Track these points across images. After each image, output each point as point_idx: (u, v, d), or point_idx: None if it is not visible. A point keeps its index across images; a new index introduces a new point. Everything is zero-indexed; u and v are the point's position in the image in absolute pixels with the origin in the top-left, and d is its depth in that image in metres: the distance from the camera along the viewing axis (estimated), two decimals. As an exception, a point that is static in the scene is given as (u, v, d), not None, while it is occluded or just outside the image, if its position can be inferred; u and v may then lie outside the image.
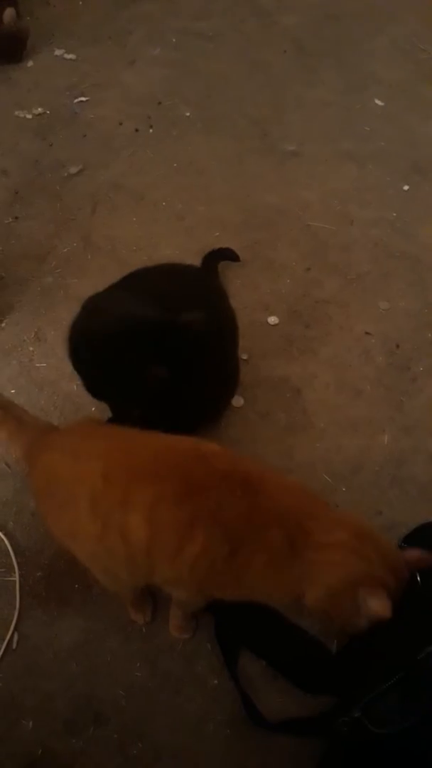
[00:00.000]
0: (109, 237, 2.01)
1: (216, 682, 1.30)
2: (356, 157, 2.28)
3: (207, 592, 1.13)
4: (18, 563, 1.42)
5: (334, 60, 2.63)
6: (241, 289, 1.89)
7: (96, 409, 1.62)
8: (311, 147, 2.31)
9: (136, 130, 2.33)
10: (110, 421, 1.50)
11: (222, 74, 2.55)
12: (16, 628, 1.35)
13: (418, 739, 1.11)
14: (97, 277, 1.88)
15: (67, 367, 1.68)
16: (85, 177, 2.18)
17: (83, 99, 2.43)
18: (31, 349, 1.76)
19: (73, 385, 1.68)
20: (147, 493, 1.03)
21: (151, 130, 2.34)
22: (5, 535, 1.45)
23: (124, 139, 2.30)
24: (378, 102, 2.48)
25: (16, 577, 1.40)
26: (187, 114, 2.40)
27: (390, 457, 1.61)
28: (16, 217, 2.05)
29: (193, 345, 1.24)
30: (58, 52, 2.60)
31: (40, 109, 2.38)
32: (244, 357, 1.73)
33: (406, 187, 2.20)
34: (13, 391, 1.67)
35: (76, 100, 2.42)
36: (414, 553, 1.08)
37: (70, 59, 2.58)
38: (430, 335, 1.83)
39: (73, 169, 2.19)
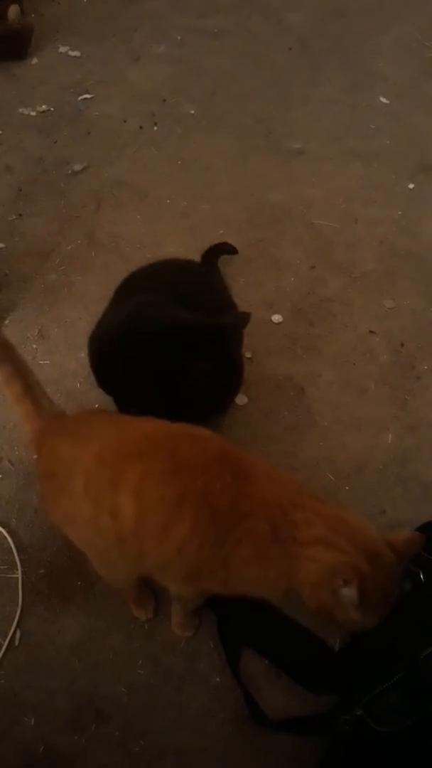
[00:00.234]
0: (113, 234, 2.00)
1: (218, 679, 1.30)
2: (361, 155, 2.28)
3: (197, 582, 1.12)
4: (21, 560, 1.42)
5: (339, 58, 2.62)
6: (246, 287, 1.89)
7: (99, 405, 1.62)
8: (316, 145, 2.30)
9: (141, 128, 2.33)
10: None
11: (227, 72, 2.54)
12: (18, 625, 1.35)
13: (420, 737, 1.11)
14: (101, 274, 1.88)
15: (71, 364, 1.70)
16: (89, 174, 2.18)
17: (88, 96, 2.43)
18: (34, 346, 1.75)
19: (76, 382, 1.68)
20: (135, 470, 1.04)
21: (155, 128, 2.33)
22: (8, 532, 1.45)
23: (129, 137, 2.30)
24: (383, 100, 2.47)
25: (19, 574, 1.40)
26: (192, 112, 2.39)
27: (394, 455, 1.61)
28: (20, 215, 2.05)
29: (230, 344, 1.35)
30: (62, 49, 2.59)
31: (44, 107, 2.38)
32: (248, 355, 1.73)
33: (411, 186, 2.19)
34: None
35: (80, 98, 2.42)
36: (402, 537, 1.05)
37: (75, 56, 2.58)
38: (434, 334, 1.83)
39: (77, 167, 2.19)
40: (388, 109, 2.44)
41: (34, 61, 2.55)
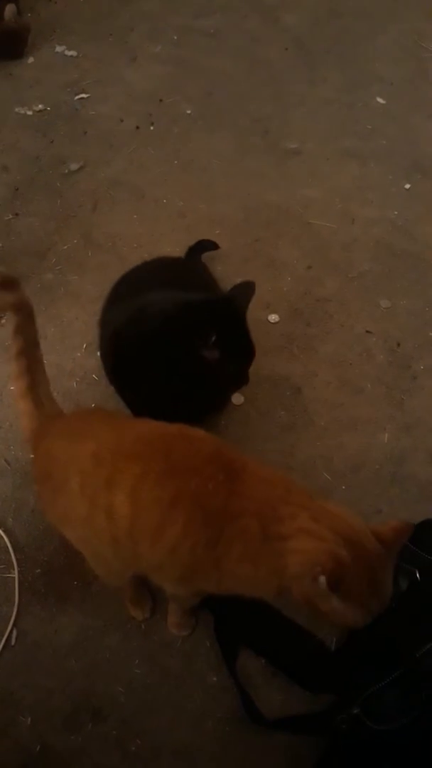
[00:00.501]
0: (110, 234, 2.00)
1: (215, 679, 1.30)
2: (358, 155, 2.28)
3: (191, 583, 1.12)
4: (17, 560, 1.42)
5: (335, 58, 2.63)
6: (242, 287, 1.89)
7: (95, 405, 1.62)
8: (313, 145, 2.30)
9: (137, 128, 2.33)
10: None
11: (223, 72, 2.54)
12: (15, 625, 1.35)
13: (417, 734, 1.11)
14: (97, 274, 1.88)
15: (67, 364, 1.70)
16: (85, 174, 2.18)
17: (84, 96, 2.42)
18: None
19: (72, 381, 1.68)
20: (131, 471, 1.03)
21: (152, 128, 2.33)
22: (4, 531, 1.45)
23: (125, 137, 2.30)
24: (380, 100, 2.47)
25: (15, 574, 1.40)
26: (189, 111, 2.39)
27: (390, 455, 1.61)
28: (17, 214, 2.05)
29: (239, 316, 1.35)
30: (59, 49, 2.59)
31: (40, 106, 2.38)
32: (245, 355, 1.73)
33: (407, 186, 2.19)
34: (12, 388, 1.66)
35: (76, 97, 2.42)
36: (389, 525, 1.01)
37: (71, 56, 2.57)
38: (431, 334, 1.83)
39: (74, 166, 2.18)
40: (384, 109, 2.45)
41: (31, 60, 2.55)
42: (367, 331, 1.83)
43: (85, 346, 1.73)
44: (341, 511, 1.01)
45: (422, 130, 2.38)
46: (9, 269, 1.90)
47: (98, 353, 1.56)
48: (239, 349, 1.35)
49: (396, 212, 2.11)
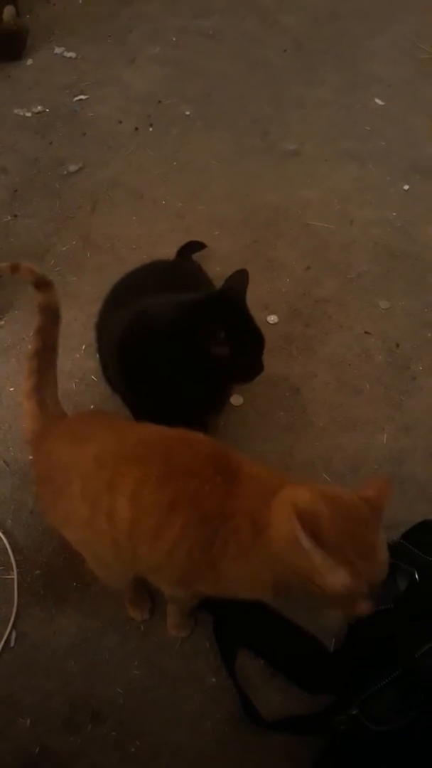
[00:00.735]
0: (109, 235, 2.00)
1: (214, 680, 1.30)
2: (356, 156, 2.28)
3: (189, 585, 1.12)
4: (16, 561, 1.42)
5: (334, 59, 2.63)
6: (241, 288, 1.89)
7: (94, 406, 1.62)
8: (311, 146, 2.31)
9: (136, 129, 2.33)
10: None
11: (222, 73, 2.55)
12: (14, 626, 1.34)
13: (416, 735, 1.11)
14: (96, 275, 1.88)
15: (66, 365, 1.70)
16: (84, 175, 2.18)
17: (83, 97, 2.43)
18: (30, 347, 1.75)
19: (71, 383, 1.68)
20: (132, 475, 1.04)
21: (151, 129, 2.34)
22: (3, 533, 1.45)
23: (124, 138, 2.30)
24: (378, 101, 2.47)
25: (14, 575, 1.40)
26: (187, 113, 2.39)
27: (389, 456, 1.61)
28: (15, 215, 2.05)
29: (239, 307, 1.34)
30: (57, 50, 2.59)
31: (39, 107, 2.38)
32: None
33: (406, 187, 2.19)
34: (11, 389, 1.67)
35: (75, 99, 2.42)
36: (370, 485, 0.97)
37: (70, 57, 2.58)
38: (429, 334, 1.83)
39: (73, 168, 2.19)
40: (382, 110, 2.45)
41: (30, 62, 2.55)
42: (366, 332, 1.83)
43: (84, 347, 1.73)
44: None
45: (421, 131, 2.39)
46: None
47: (98, 356, 1.56)
48: (248, 339, 1.33)
49: (395, 213, 2.12)
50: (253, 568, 1.01)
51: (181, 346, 1.29)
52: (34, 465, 1.26)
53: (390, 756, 1.14)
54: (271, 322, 1.83)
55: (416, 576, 1.25)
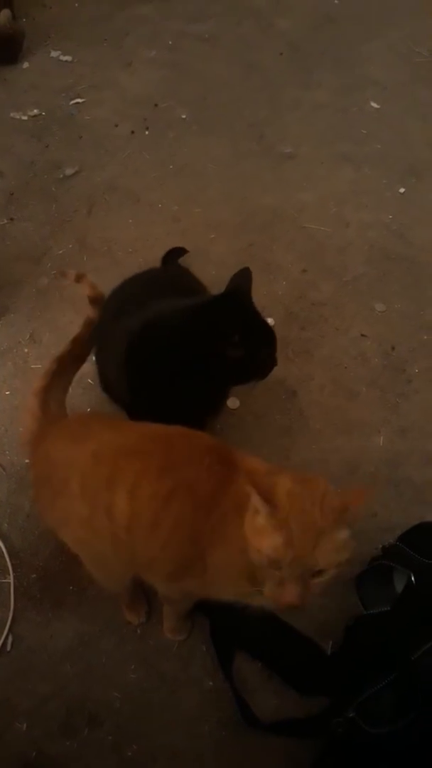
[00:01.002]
0: (105, 238, 2.01)
1: (211, 683, 1.30)
2: (352, 159, 2.29)
3: (180, 580, 1.11)
4: (12, 565, 1.41)
5: (330, 63, 2.64)
6: (237, 291, 1.89)
7: (91, 409, 1.62)
8: (307, 149, 2.31)
9: (132, 132, 2.33)
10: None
11: (218, 76, 2.55)
12: (10, 630, 1.34)
13: (413, 737, 1.11)
14: (93, 278, 1.86)
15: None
16: (80, 178, 2.18)
17: (79, 101, 2.43)
18: (26, 350, 1.75)
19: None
20: (132, 467, 1.04)
21: (147, 132, 2.34)
22: (0, 537, 1.45)
23: (120, 141, 2.30)
24: (374, 104, 2.48)
25: (11, 579, 1.40)
26: (183, 116, 2.40)
27: (385, 458, 1.61)
28: (12, 219, 2.05)
29: (246, 306, 1.34)
30: (54, 54, 2.60)
31: (35, 111, 2.38)
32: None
33: (402, 190, 2.20)
34: (7, 393, 1.67)
35: (72, 102, 2.42)
36: (352, 491, 0.95)
37: (66, 61, 2.58)
38: (425, 337, 1.84)
39: (69, 171, 2.19)
40: (378, 113, 2.46)
41: (26, 65, 2.55)
42: (362, 335, 1.83)
43: (80, 350, 1.73)
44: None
45: (416, 133, 2.39)
46: (4, 274, 1.90)
47: (96, 367, 1.54)
48: (261, 337, 1.33)
49: (391, 216, 2.12)
50: (233, 556, 0.99)
51: (195, 352, 1.27)
52: (32, 466, 1.27)
53: (387, 758, 1.14)
54: (267, 324, 1.83)
55: (412, 578, 1.25)
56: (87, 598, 1.38)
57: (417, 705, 1.13)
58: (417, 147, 2.35)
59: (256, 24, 2.79)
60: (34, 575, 1.41)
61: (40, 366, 1.71)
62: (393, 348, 1.81)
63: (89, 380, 1.67)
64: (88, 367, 1.67)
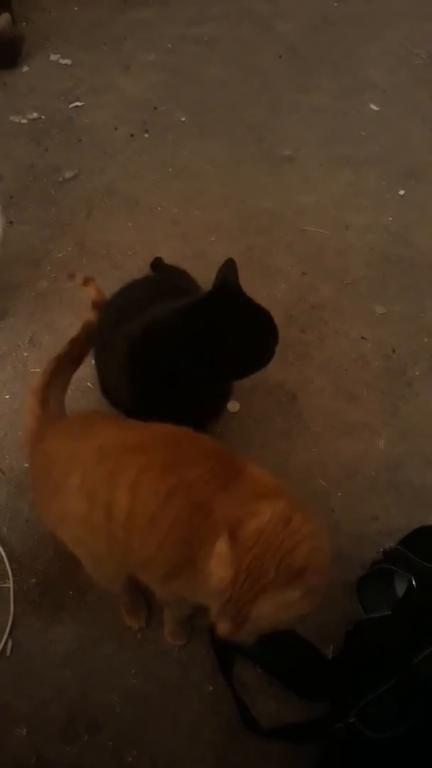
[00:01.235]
0: (104, 242, 2.00)
1: (211, 688, 1.29)
2: (351, 161, 2.29)
3: (174, 583, 1.10)
4: (12, 570, 1.41)
5: (329, 65, 2.64)
6: (237, 294, 1.89)
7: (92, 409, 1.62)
8: (306, 152, 2.31)
9: (132, 135, 2.33)
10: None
11: (217, 79, 2.55)
12: (10, 635, 1.34)
13: (414, 742, 1.11)
14: (92, 281, 1.88)
15: (62, 372, 1.69)
16: (80, 182, 2.18)
17: (78, 104, 2.43)
18: (25, 354, 1.75)
19: (67, 390, 1.67)
20: (135, 463, 1.04)
21: (146, 135, 2.34)
22: (-1, 541, 1.45)
23: (120, 144, 2.30)
24: (373, 107, 2.48)
25: (10, 584, 1.39)
26: (183, 119, 2.40)
27: (386, 461, 1.61)
28: (11, 222, 2.05)
29: (238, 298, 1.35)
30: (53, 57, 2.60)
31: (35, 114, 2.38)
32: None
33: (401, 192, 2.20)
34: (7, 396, 1.67)
35: (71, 105, 2.42)
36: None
37: (66, 64, 2.58)
38: (425, 340, 1.83)
39: (68, 174, 2.19)
40: (377, 116, 2.46)
41: (25, 69, 2.56)
42: (362, 338, 1.83)
43: (79, 354, 1.73)
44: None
45: (415, 136, 2.40)
46: (3, 277, 1.90)
47: (96, 372, 1.54)
48: (259, 323, 1.33)
49: (390, 218, 2.12)
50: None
51: (195, 351, 1.27)
52: (31, 464, 1.27)
53: (388, 763, 1.13)
54: (267, 327, 1.82)
55: (413, 582, 1.24)
56: (87, 603, 1.38)
57: (418, 710, 1.12)
58: (416, 149, 2.35)
59: (255, 27, 2.79)
60: (33, 580, 1.41)
61: (39, 369, 1.70)
62: (393, 351, 1.80)
63: (88, 384, 1.67)
64: (87, 371, 1.67)
